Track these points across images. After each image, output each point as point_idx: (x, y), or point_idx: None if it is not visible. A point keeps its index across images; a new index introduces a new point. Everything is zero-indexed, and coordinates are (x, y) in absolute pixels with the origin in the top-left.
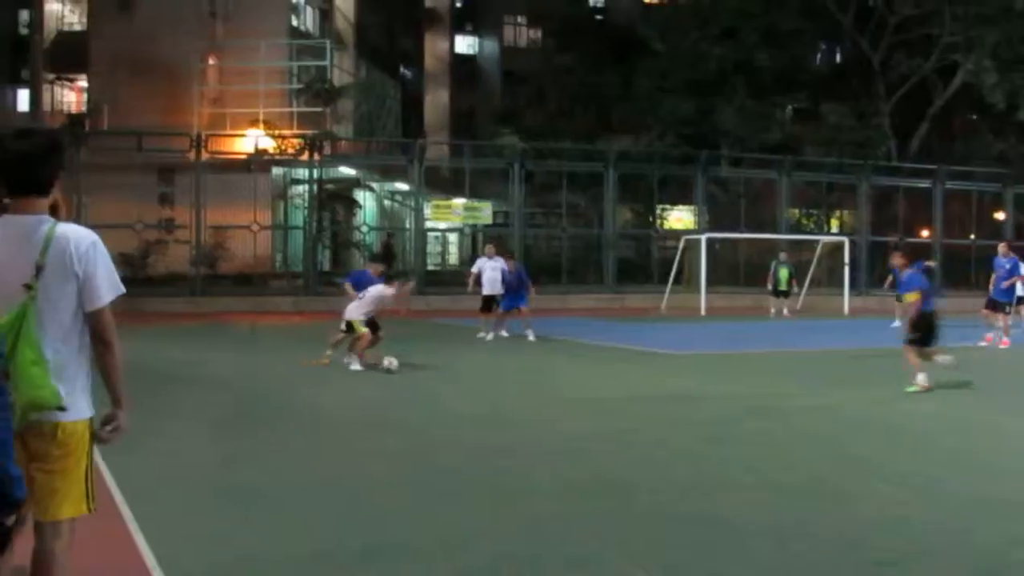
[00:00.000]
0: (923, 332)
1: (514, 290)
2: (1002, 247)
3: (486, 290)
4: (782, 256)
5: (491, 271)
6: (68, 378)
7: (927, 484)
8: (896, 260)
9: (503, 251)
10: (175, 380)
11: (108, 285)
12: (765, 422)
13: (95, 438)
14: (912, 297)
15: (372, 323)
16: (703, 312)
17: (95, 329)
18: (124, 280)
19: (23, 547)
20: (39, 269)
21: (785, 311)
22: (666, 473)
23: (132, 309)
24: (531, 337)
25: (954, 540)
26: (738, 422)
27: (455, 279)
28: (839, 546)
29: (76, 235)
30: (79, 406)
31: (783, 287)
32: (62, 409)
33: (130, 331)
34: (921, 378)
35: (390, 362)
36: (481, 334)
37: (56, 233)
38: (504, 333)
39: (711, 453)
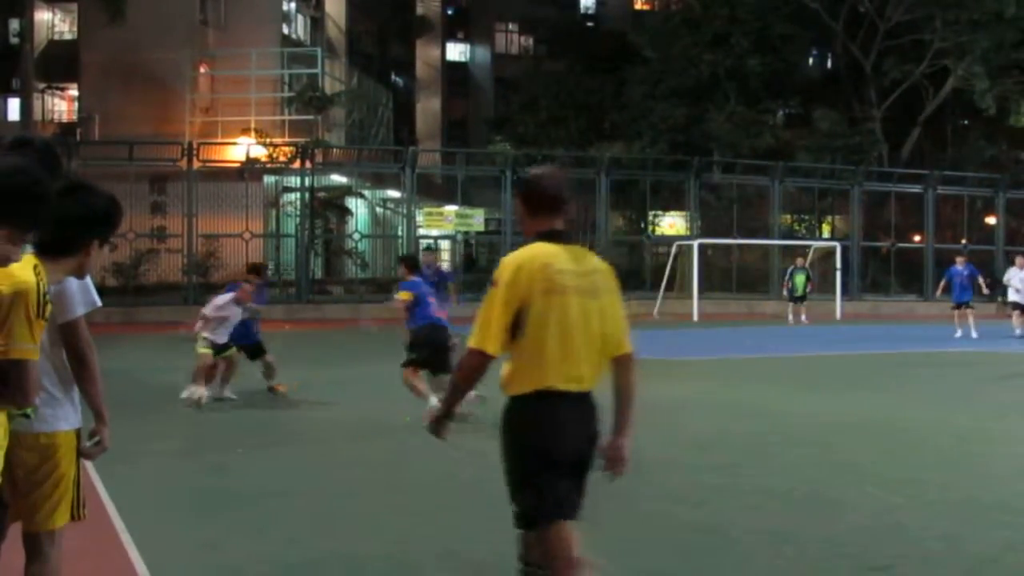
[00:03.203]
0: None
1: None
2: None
3: None
4: (798, 262)
5: None
6: (49, 389)
7: (920, 489)
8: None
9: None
10: (166, 389)
11: (81, 298)
12: (759, 428)
13: (79, 452)
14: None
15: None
16: (696, 318)
17: (68, 342)
18: (116, 289)
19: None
20: None
21: (803, 317)
22: (659, 479)
23: (125, 318)
24: None
25: (947, 545)
26: (732, 428)
27: None
28: (834, 552)
29: None
30: (63, 416)
31: (800, 292)
32: (27, 416)
33: (122, 340)
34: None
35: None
36: None
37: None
38: None
39: (705, 459)
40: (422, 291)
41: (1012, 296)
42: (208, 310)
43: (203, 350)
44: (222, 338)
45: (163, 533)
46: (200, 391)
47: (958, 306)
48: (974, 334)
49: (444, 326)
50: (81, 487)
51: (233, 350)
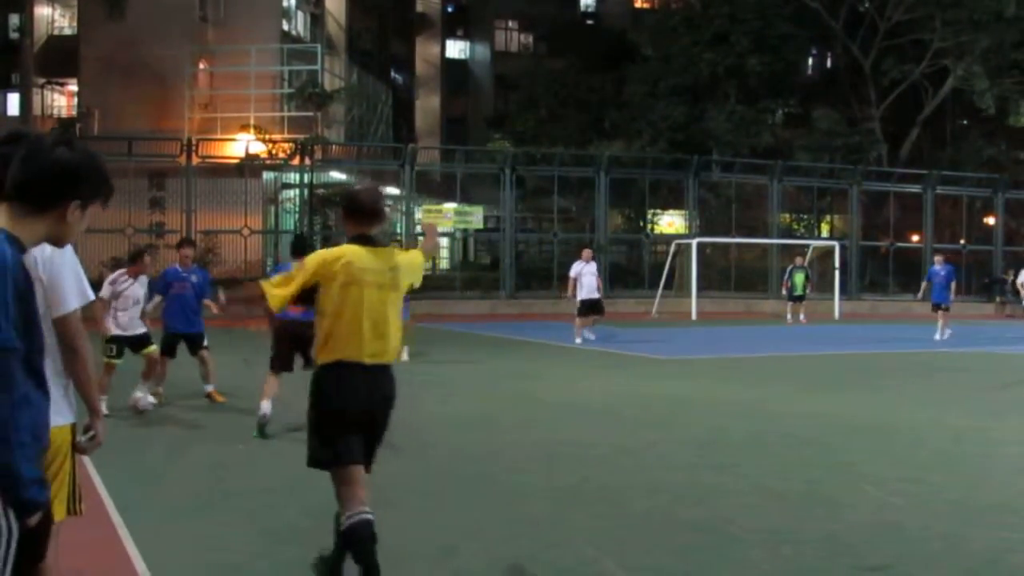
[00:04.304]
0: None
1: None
2: None
3: (583, 295)
4: (798, 261)
5: (589, 276)
6: None
7: (919, 489)
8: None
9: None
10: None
11: (75, 291)
12: (757, 427)
13: (74, 447)
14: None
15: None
16: (694, 317)
17: (62, 336)
18: None
19: None
20: None
21: (801, 316)
22: (658, 478)
23: None
24: None
25: (946, 545)
26: (730, 427)
27: (446, 283)
28: (832, 551)
29: None
30: (58, 411)
31: (799, 292)
32: None
33: None
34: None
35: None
36: (579, 340)
37: None
38: (591, 336)
39: (703, 458)
40: None
41: None
42: (104, 291)
43: (107, 359)
44: (136, 327)
45: (162, 529)
46: (144, 396)
47: (935, 307)
48: (946, 335)
49: (304, 320)
50: (78, 482)
51: (154, 348)
